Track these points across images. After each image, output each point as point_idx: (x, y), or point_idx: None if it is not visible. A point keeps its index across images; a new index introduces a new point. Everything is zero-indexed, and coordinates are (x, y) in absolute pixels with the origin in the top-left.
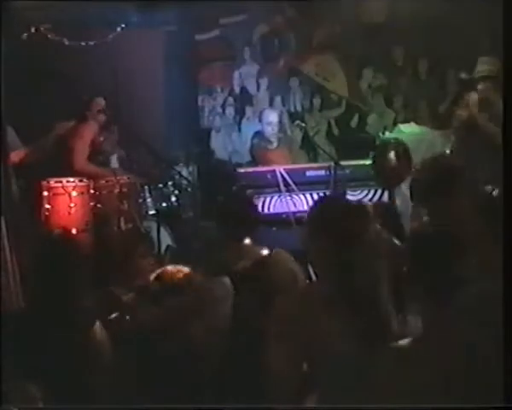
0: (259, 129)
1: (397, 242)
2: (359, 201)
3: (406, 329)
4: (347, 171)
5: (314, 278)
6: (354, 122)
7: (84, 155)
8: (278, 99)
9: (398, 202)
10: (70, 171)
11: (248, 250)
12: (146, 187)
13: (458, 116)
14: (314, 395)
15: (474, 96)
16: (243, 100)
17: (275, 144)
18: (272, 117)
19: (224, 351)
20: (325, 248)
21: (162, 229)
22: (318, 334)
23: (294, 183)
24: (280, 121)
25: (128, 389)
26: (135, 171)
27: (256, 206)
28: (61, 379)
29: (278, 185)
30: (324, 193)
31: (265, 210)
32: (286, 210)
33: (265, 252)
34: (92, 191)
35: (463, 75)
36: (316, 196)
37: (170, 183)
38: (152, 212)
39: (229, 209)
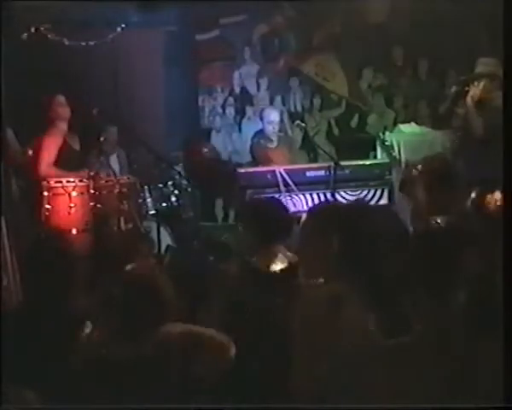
0: (260, 129)
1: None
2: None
3: (406, 327)
4: (347, 171)
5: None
6: (354, 122)
7: (48, 161)
8: (278, 99)
9: (397, 201)
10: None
11: (278, 253)
12: (146, 187)
13: (457, 115)
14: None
15: (473, 96)
16: (243, 100)
17: (275, 143)
18: (273, 116)
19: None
20: (335, 248)
21: (162, 229)
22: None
23: (294, 183)
24: (281, 121)
25: (127, 388)
26: (134, 171)
27: (288, 208)
28: (61, 379)
29: (278, 185)
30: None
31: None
32: None
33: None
34: (92, 191)
35: (463, 76)
36: (316, 197)
37: (170, 183)
38: (152, 212)
39: (264, 212)
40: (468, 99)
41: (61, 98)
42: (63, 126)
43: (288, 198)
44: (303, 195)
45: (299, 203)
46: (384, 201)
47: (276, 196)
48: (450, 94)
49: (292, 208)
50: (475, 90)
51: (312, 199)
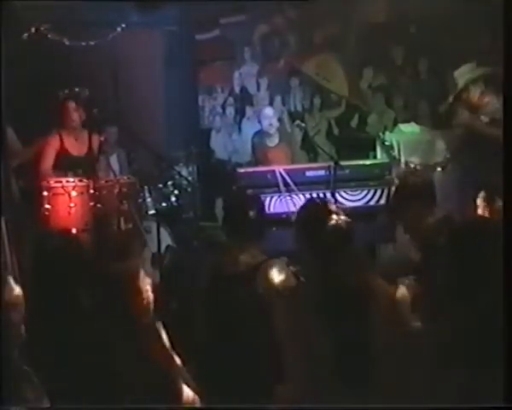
0: (259, 129)
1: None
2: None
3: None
4: (347, 171)
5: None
6: (354, 122)
7: (46, 165)
8: (278, 99)
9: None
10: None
11: (246, 254)
12: (146, 187)
13: (457, 117)
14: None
15: (473, 96)
16: (243, 100)
17: (275, 141)
18: (269, 111)
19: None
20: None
21: (162, 229)
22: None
23: (294, 183)
24: (279, 119)
25: (127, 388)
26: (134, 171)
27: (262, 206)
28: (62, 379)
29: (278, 185)
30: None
31: (265, 210)
32: (286, 210)
33: (259, 260)
34: (92, 191)
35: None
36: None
37: (170, 183)
38: (152, 212)
39: (233, 210)
40: (470, 100)
41: (73, 104)
42: (68, 131)
43: (288, 198)
44: (303, 195)
45: (299, 203)
46: (384, 201)
47: (276, 195)
48: (450, 94)
49: (292, 208)
50: (469, 96)
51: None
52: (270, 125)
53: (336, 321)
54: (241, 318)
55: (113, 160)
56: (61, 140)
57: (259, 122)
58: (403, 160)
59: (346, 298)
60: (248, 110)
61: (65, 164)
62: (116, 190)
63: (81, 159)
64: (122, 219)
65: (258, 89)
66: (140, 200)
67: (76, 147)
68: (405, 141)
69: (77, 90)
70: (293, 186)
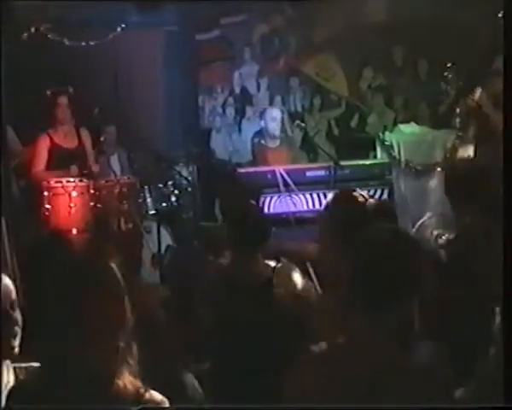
0: (259, 129)
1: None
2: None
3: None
4: (347, 171)
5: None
6: (354, 122)
7: (39, 166)
8: (278, 99)
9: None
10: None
11: (255, 261)
12: (146, 187)
13: (465, 111)
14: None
15: (488, 90)
16: (243, 100)
17: (276, 143)
18: (276, 113)
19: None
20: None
21: (162, 229)
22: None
23: (294, 183)
24: (281, 121)
25: None
26: (134, 171)
27: (262, 208)
28: (61, 379)
29: (278, 185)
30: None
31: (265, 210)
32: (286, 210)
33: (271, 265)
34: (92, 191)
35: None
36: (316, 197)
37: (170, 183)
38: (152, 212)
39: (236, 214)
40: (483, 94)
41: (64, 100)
42: (57, 128)
43: (288, 198)
44: (303, 195)
45: (299, 203)
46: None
47: (276, 195)
48: (450, 94)
49: (292, 208)
50: (491, 86)
51: (312, 199)
52: (277, 126)
53: None
54: (253, 324)
55: (114, 160)
56: (50, 137)
57: (265, 123)
58: (403, 160)
59: None
60: (248, 110)
61: (58, 158)
62: (116, 190)
63: (73, 151)
64: (122, 219)
65: (259, 89)
66: (140, 200)
67: (66, 141)
68: (405, 141)
69: (64, 89)
70: (293, 186)
